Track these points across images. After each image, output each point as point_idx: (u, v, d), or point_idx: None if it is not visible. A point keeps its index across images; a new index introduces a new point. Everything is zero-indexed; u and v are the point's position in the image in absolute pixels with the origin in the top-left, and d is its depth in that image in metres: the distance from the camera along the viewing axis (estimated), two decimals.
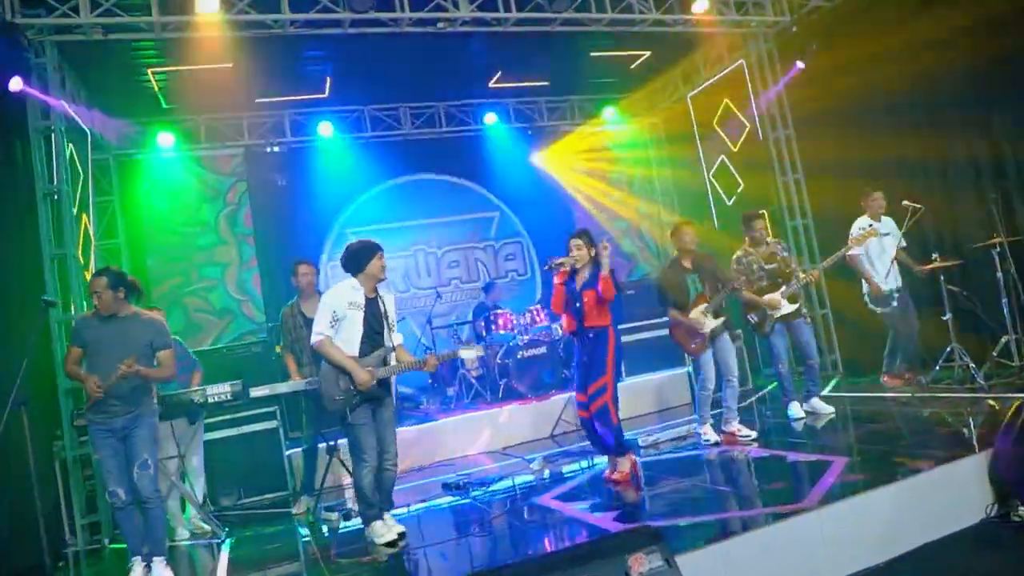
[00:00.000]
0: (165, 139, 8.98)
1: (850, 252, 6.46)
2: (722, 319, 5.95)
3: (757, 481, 4.88)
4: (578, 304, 5.04)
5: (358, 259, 4.57)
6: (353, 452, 4.59)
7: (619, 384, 5.09)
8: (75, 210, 7.13)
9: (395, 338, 4.71)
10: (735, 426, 6.06)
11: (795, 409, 6.51)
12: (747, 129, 9.31)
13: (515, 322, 8.33)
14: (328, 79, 8.69)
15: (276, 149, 9.61)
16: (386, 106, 10.14)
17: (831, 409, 6.46)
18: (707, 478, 5.05)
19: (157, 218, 9.09)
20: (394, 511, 4.86)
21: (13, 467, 5.00)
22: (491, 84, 9.84)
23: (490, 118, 10.47)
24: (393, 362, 4.67)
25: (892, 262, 6.73)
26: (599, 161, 11.30)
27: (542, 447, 7.13)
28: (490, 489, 5.62)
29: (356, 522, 5.05)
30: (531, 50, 8.65)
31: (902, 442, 5.14)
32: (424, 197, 10.27)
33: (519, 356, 8.06)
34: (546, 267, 5.17)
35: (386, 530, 4.51)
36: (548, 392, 8.03)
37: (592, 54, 9.16)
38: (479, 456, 7.24)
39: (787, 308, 6.40)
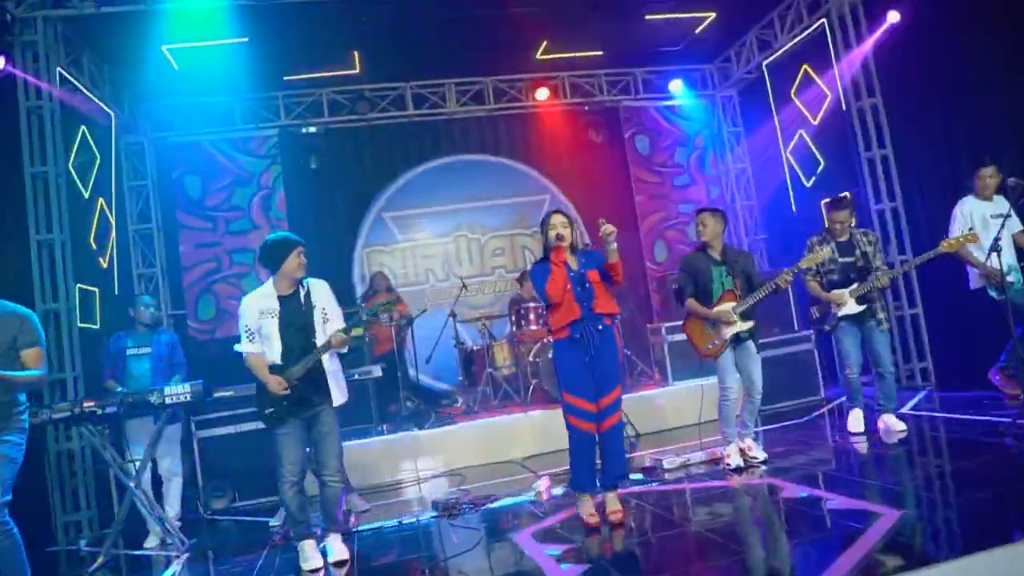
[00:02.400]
0: (199, 121, 8.71)
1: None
2: (750, 324, 4.98)
3: (766, 539, 3.75)
4: (586, 285, 4.18)
5: (273, 256, 4.09)
6: (271, 465, 4.05)
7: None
8: (87, 194, 6.95)
9: (329, 328, 4.11)
10: (748, 443, 5.18)
11: (855, 420, 5.58)
12: (828, 99, 8.07)
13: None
14: (356, 53, 8.12)
15: (312, 130, 9.17)
16: (430, 82, 9.50)
17: (903, 426, 5.41)
18: (709, 521, 4.07)
19: (190, 202, 8.87)
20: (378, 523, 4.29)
21: None
22: (538, 56, 9.01)
23: (542, 93, 9.63)
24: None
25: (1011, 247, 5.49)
26: (665, 139, 10.24)
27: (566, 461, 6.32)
28: (480, 511, 4.91)
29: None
30: (576, 13, 7.79)
31: (989, 491, 3.83)
32: (468, 179, 9.61)
33: (550, 355, 7.25)
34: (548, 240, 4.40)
35: (313, 555, 4.02)
36: None
37: (647, 17, 8.16)
38: (498, 466, 6.52)
39: (853, 307, 5.43)
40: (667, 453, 5.63)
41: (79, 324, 6.14)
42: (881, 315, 5.49)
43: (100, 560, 4.68)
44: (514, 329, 7.63)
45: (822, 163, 8.35)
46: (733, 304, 4.96)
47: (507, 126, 9.83)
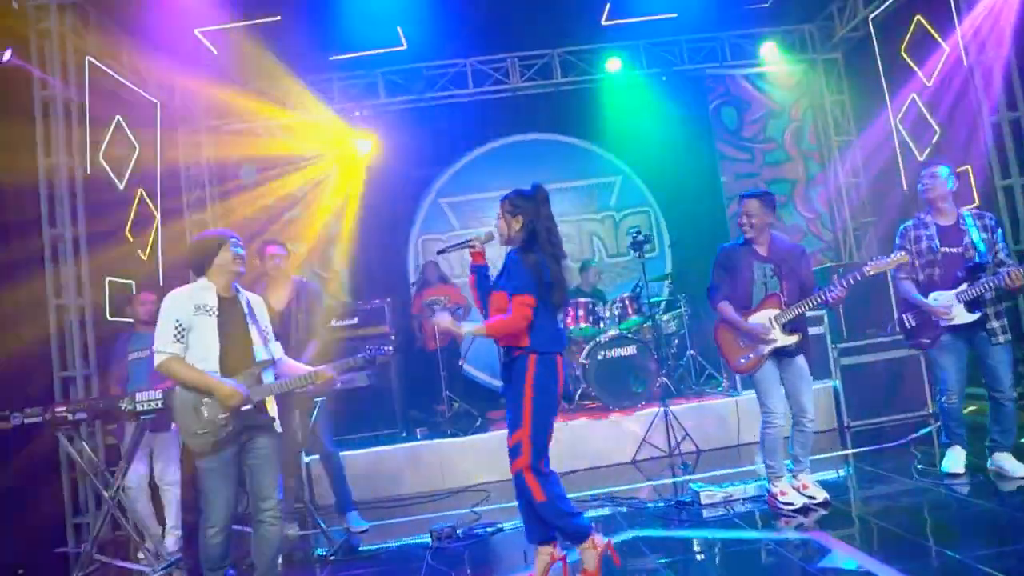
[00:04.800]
0: (253, 108, 8.48)
1: None
2: (796, 337, 4.00)
3: None
4: (483, 307, 3.49)
5: (200, 257, 3.49)
6: (202, 507, 3.43)
7: (546, 434, 3.28)
8: (122, 185, 6.83)
9: (274, 349, 3.60)
10: (803, 479, 4.21)
11: (954, 459, 4.40)
12: (945, 55, 6.71)
13: (599, 312, 6.73)
14: (399, 28, 7.57)
15: (366, 113, 8.75)
16: (492, 57, 8.83)
17: (1023, 470, 4.18)
18: None
19: (244, 191, 8.69)
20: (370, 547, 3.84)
21: None
22: (603, 21, 8.12)
23: (613, 64, 8.73)
24: (269, 380, 3.51)
25: None
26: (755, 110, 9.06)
27: (614, 477, 5.58)
28: (476, 541, 4.28)
29: None
30: None
31: None
32: (530, 161, 8.87)
33: (600, 356, 6.47)
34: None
35: None
36: (635, 404, 6.39)
37: None
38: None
39: (963, 316, 4.22)
40: (716, 480, 4.74)
41: (110, 318, 6.01)
42: (996, 324, 4.24)
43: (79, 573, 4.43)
44: (562, 325, 6.87)
45: (937, 132, 7.00)
46: (775, 312, 4.01)
47: (575, 102, 8.97)
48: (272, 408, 3.53)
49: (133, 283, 6.59)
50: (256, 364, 3.46)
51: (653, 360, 6.50)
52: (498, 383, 8.10)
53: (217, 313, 3.41)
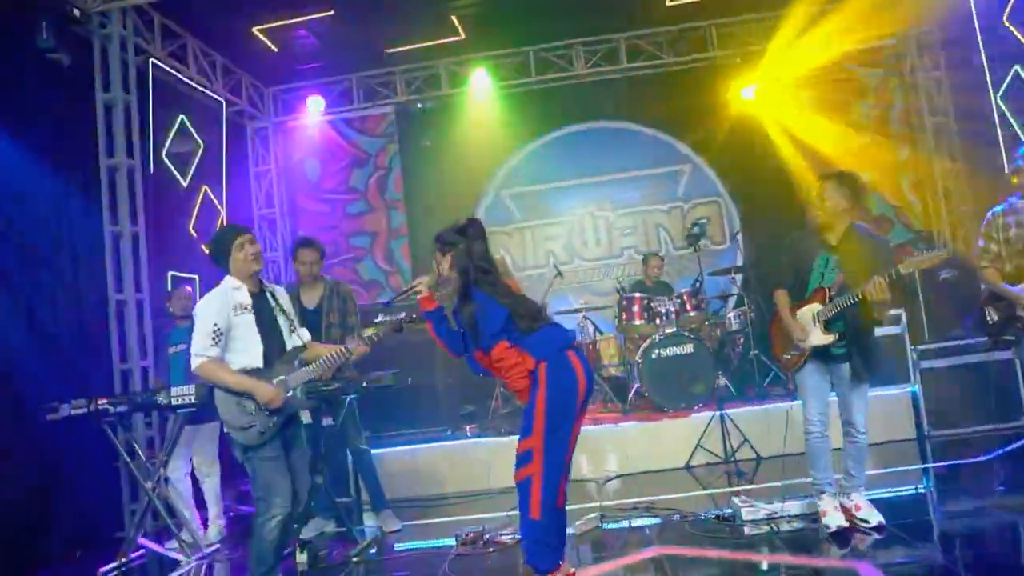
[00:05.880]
0: (316, 102, 8.59)
1: None
2: (833, 336, 3.59)
3: None
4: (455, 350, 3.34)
5: (217, 252, 3.54)
6: (260, 498, 3.46)
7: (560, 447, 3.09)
8: (185, 182, 7.05)
9: (302, 335, 3.66)
10: (856, 499, 3.79)
11: None
12: None
13: (656, 308, 6.40)
14: (454, 17, 7.45)
15: (429, 104, 8.70)
16: (556, 44, 8.58)
17: None
18: None
19: (310, 185, 8.85)
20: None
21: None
22: (668, 2, 7.72)
23: (681, 47, 8.31)
24: (299, 366, 3.60)
25: None
26: (835, 92, 8.40)
27: (663, 484, 5.29)
28: (501, 548, 4.13)
29: None
30: None
31: None
32: (595, 150, 8.63)
33: (655, 355, 6.16)
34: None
35: None
36: (692, 406, 6.05)
37: None
38: (574, 486, 5.60)
39: None
40: (773, 492, 4.38)
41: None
42: None
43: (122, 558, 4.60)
44: (616, 323, 6.62)
45: None
46: (819, 308, 3.63)
47: (642, 88, 8.64)
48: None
49: (196, 277, 6.82)
50: (288, 352, 3.55)
51: (711, 359, 6.13)
52: None
53: (253, 311, 3.48)
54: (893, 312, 5.79)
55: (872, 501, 3.82)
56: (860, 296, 3.43)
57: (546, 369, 3.10)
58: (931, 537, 3.60)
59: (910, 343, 5.89)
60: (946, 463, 5.06)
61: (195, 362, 3.37)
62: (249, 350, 3.45)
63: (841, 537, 3.63)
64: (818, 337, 3.61)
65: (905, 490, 4.61)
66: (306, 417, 3.67)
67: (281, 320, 3.62)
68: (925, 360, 5.77)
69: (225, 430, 3.50)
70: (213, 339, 3.36)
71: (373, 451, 5.16)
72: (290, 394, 3.49)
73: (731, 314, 6.94)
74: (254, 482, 3.50)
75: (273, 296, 3.64)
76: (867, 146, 8.34)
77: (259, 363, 3.45)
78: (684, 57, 8.38)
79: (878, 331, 5.46)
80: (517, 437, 3.15)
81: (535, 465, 3.05)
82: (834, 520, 3.67)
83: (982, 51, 7.00)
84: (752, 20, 8.26)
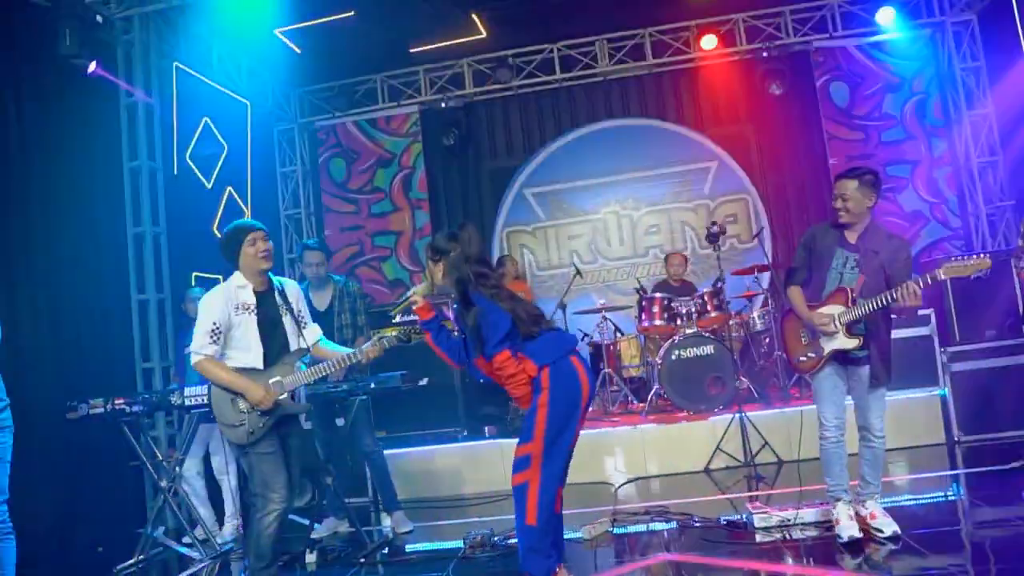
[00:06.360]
0: (342, 103, 8.65)
1: None
2: (856, 341, 3.46)
3: None
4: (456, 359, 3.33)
5: (227, 249, 3.54)
6: (256, 492, 3.47)
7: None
8: (210, 184, 7.16)
9: (309, 335, 3.66)
10: (871, 508, 3.66)
11: None
12: None
13: (676, 309, 6.30)
14: (475, 15, 7.42)
15: (452, 104, 8.67)
16: (580, 41, 8.50)
17: None
18: None
19: (335, 185, 8.91)
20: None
21: None
22: None
23: (709, 41, 8.17)
24: (302, 368, 3.58)
25: None
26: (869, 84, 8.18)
27: (679, 487, 5.22)
28: (508, 552, 4.08)
29: None
30: None
31: None
32: (619, 148, 8.52)
33: (675, 356, 6.07)
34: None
35: None
36: (712, 408, 5.95)
37: None
38: (586, 488, 5.53)
39: None
40: (792, 497, 4.27)
41: None
42: None
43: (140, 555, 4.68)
44: (637, 322, 6.53)
45: None
46: (841, 310, 3.50)
47: (668, 84, 8.57)
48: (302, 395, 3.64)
49: (221, 277, 6.90)
50: (290, 354, 3.54)
51: (732, 360, 6.01)
52: None
53: (256, 311, 3.48)
54: (922, 312, 5.61)
55: (895, 508, 3.70)
56: (891, 299, 3.31)
57: (549, 375, 3.06)
58: (947, 549, 3.45)
59: (939, 344, 5.69)
60: (975, 469, 4.88)
61: (193, 359, 3.43)
62: (249, 350, 3.46)
63: (854, 547, 3.51)
64: (841, 341, 3.49)
65: (930, 497, 4.46)
66: (306, 424, 3.68)
67: (287, 320, 3.60)
68: (956, 363, 5.57)
69: (219, 427, 3.54)
70: (211, 337, 3.39)
71: (390, 452, 5.17)
72: (283, 396, 3.46)
73: (755, 314, 6.79)
74: (251, 477, 3.52)
75: (282, 295, 3.62)
76: (899, 138, 8.11)
77: (259, 363, 3.46)
78: (711, 51, 8.22)
79: (906, 332, 5.33)
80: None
81: (533, 470, 3.02)
82: (847, 530, 3.55)
83: (1022, 41, 6.72)
84: (788, 12, 8.05)
